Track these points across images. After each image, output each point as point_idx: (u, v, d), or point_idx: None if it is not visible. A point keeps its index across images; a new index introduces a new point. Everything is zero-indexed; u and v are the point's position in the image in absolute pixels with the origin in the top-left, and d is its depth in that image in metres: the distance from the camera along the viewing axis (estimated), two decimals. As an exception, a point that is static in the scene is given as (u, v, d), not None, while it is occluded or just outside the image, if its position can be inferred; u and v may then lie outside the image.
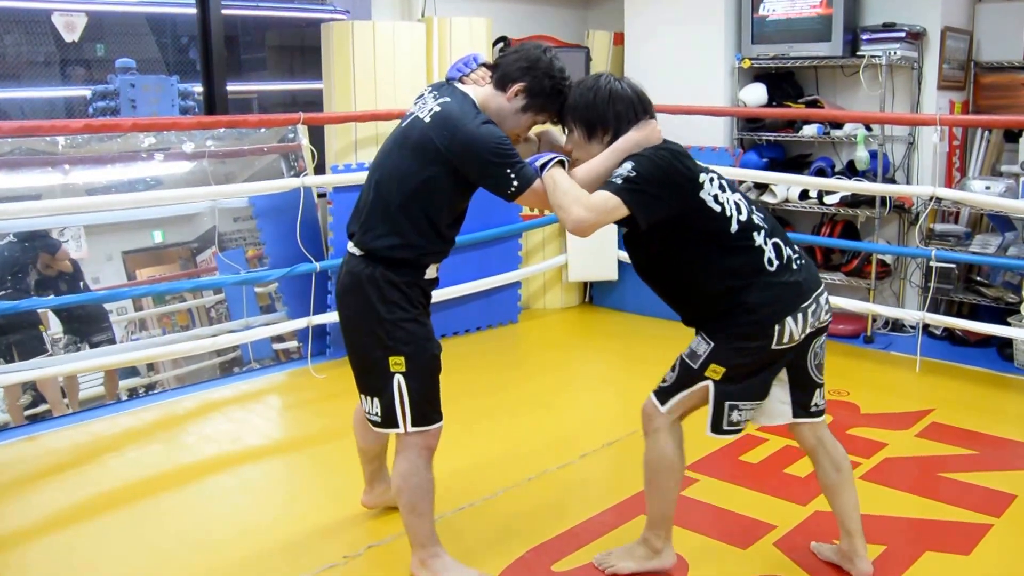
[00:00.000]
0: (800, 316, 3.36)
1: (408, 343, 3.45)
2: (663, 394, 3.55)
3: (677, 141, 6.83)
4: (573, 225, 3.24)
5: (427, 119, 3.43)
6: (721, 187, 3.40)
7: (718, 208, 3.34)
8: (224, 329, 6.17)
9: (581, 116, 3.46)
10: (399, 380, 3.45)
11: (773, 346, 3.38)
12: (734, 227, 3.35)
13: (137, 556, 3.90)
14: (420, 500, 3.55)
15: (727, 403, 3.45)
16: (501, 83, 3.54)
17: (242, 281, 6.01)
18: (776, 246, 3.41)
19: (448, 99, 3.47)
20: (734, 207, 3.38)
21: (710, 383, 3.43)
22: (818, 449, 3.69)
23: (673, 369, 3.55)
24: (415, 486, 3.53)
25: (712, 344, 3.43)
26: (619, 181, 3.26)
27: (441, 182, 3.41)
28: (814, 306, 3.40)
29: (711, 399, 3.46)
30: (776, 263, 3.38)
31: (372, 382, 3.53)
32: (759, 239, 3.38)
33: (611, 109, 3.43)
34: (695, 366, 3.45)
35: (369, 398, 3.55)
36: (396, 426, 3.50)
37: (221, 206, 6.31)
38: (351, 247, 3.55)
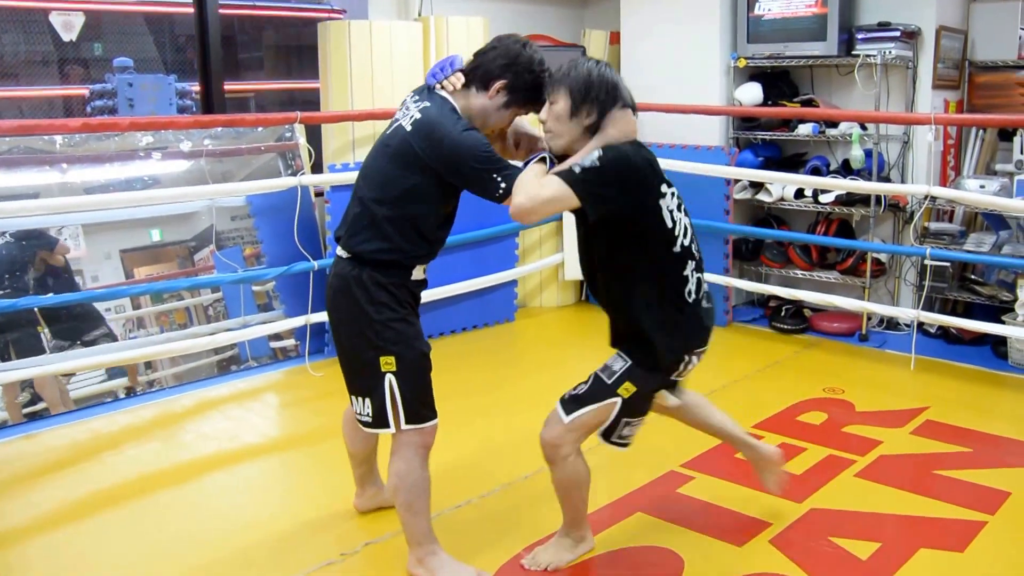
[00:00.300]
0: (697, 356, 3.62)
1: (397, 342, 3.47)
2: (572, 402, 3.60)
3: (673, 140, 6.88)
4: (513, 210, 3.27)
5: (408, 127, 3.46)
6: (677, 206, 3.46)
7: (670, 224, 3.41)
8: (222, 327, 6.18)
9: (576, 90, 3.41)
10: (390, 380, 3.47)
11: (673, 377, 3.63)
12: (677, 248, 3.45)
13: (136, 552, 3.93)
14: (416, 498, 3.57)
15: (623, 419, 3.59)
16: (483, 82, 3.56)
17: (239, 280, 6.03)
18: (698, 281, 3.56)
19: (428, 104, 3.50)
20: (683, 230, 3.46)
21: (619, 400, 3.53)
22: (674, 409, 3.92)
23: (586, 382, 3.61)
24: (411, 484, 3.55)
25: (629, 363, 3.53)
26: (578, 171, 3.28)
27: (424, 189, 3.45)
28: (705, 347, 3.67)
29: (614, 414, 3.56)
30: (693, 296, 3.54)
31: (363, 382, 3.54)
32: (688, 269, 3.50)
33: (603, 92, 3.41)
34: (609, 381, 3.54)
35: (360, 398, 3.56)
36: (387, 426, 3.51)
37: (218, 205, 6.33)
38: (339, 250, 3.58)
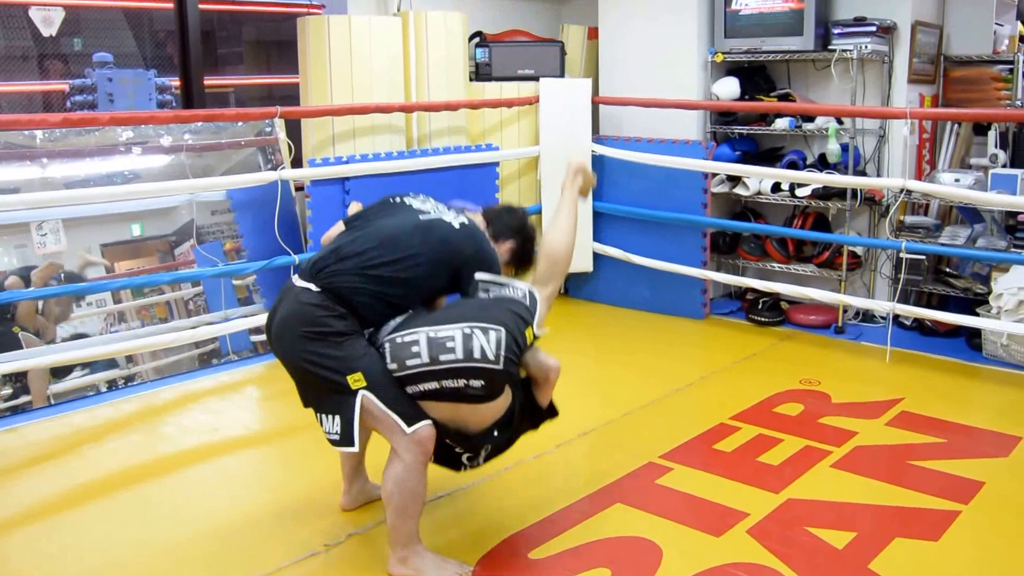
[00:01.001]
0: None
1: (361, 356, 3.47)
2: None
3: (651, 135, 6.95)
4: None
5: (456, 225, 3.77)
6: None
7: None
8: (203, 321, 6.20)
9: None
10: (364, 395, 3.43)
11: None
12: None
13: (118, 546, 3.94)
14: (412, 503, 3.56)
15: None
16: (495, 236, 3.97)
17: (220, 274, 6.05)
18: None
19: (469, 219, 3.90)
20: None
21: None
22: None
23: None
24: (409, 491, 3.52)
25: None
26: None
27: (439, 291, 3.81)
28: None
29: None
30: None
31: (330, 401, 3.50)
32: None
33: None
34: None
35: (328, 416, 3.51)
36: (352, 444, 3.45)
37: (199, 199, 6.34)
38: (303, 283, 3.59)
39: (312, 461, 4.72)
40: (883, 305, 6.41)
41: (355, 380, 3.43)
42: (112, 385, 5.82)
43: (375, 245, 3.59)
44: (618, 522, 4.05)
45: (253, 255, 6.42)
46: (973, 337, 6.52)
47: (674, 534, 3.95)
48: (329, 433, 3.52)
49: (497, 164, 7.30)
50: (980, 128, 7.11)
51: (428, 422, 3.51)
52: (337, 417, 3.48)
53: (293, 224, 6.56)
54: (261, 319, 6.12)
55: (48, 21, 6.23)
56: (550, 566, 3.72)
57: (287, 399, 5.69)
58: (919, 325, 6.89)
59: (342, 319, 3.50)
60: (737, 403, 5.45)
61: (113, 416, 5.44)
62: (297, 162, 6.63)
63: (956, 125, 7.21)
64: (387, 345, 3.49)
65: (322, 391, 3.51)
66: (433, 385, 3.45)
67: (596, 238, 7.59)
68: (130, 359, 5.91)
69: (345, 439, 3.47)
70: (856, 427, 5.10)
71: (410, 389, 3.48)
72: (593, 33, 8.19)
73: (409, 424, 3.47)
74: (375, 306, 3.57)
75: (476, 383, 3.43)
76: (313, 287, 3.54)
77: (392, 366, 3.46)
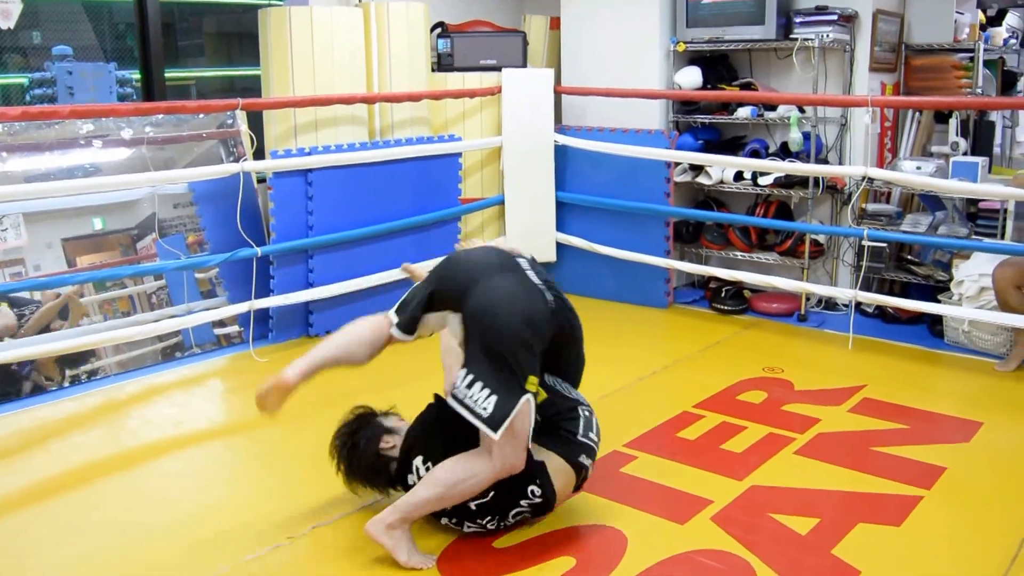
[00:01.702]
0: None
1: (540, 373, 3.65)
2: None
3: (613, 124, 6.92)
4: None
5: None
6: None
7: None
8: (165, 314, 6.17)
9: None
10: (530, 399, 3.51)
11: None
12: None
13: (81, 540, 3.92)
14: (451, 500, 3.62)
15: None
16: None
17: (183, 267, 6.02)
18: None
19: None
20: None
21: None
22: None
23: None
24: (467, 490, 3.59)
25: None
26: None
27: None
28: None
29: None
30: None
31: (500, 380, 3.50)
32: None
33: None
34: None
35: (486, 389, 3.49)
36: (497, 429, 3.44)
37: (161, 192, 6.30)
38: (540, 283, 3.79)
39: (276, 454, 4.71)
40: (845, 293, 6.45)
41: (532, 382, 3.54)
42: (75, 379, 5.78)
43: (559, 295, 3.85)
44: (583, 510, 4.05)
45: (216, 248, 6.39)
46: (935, 324, 6.57)
47: (639, 522, 3.96)
48: (473, 399, 3.49)
49: (460, 155, 7.29)
50: (941, 116, 7.17)
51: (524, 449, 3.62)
52: (495, 397, 3.46)
53: (255, 216, 6.53)
54: (224, 312, 6.09)
55: (6, 14, 6.17)
56: (514, 555, 3.72)
57: (251, 392, 5.64)
58: (881, 312, 6.93)
59: (542, 341, 3.66)
60: (701, 391, 5.47)
61: (77, 410, 5.40)
62: (259, 154, 6.60)
63: (917, 113, 7.26)
64: (594, 417, 3.97)
65: (498, 367, 3.51)
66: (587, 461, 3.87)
67: (559, 228, 7.59)
68: (93, 353, 5.87)
69: (493, 422, 3.45)
70: (819, 414, 5.13)
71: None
72: (555, 23, 8.19)
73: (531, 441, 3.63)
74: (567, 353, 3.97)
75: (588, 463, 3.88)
76: (550, 296, 3.75)
77: (592, 436, 3.89)
